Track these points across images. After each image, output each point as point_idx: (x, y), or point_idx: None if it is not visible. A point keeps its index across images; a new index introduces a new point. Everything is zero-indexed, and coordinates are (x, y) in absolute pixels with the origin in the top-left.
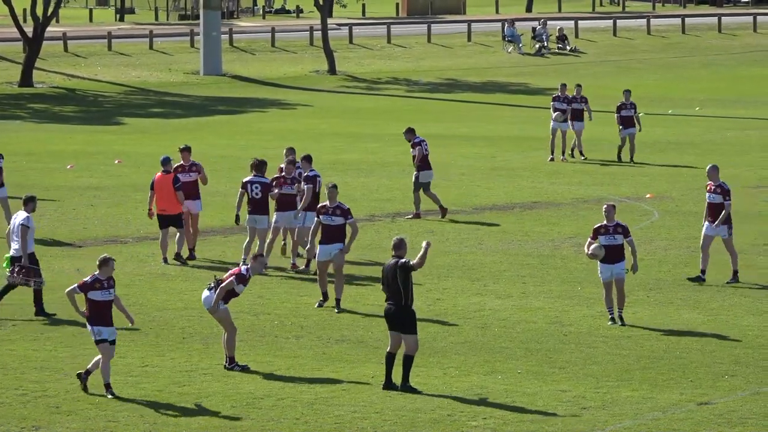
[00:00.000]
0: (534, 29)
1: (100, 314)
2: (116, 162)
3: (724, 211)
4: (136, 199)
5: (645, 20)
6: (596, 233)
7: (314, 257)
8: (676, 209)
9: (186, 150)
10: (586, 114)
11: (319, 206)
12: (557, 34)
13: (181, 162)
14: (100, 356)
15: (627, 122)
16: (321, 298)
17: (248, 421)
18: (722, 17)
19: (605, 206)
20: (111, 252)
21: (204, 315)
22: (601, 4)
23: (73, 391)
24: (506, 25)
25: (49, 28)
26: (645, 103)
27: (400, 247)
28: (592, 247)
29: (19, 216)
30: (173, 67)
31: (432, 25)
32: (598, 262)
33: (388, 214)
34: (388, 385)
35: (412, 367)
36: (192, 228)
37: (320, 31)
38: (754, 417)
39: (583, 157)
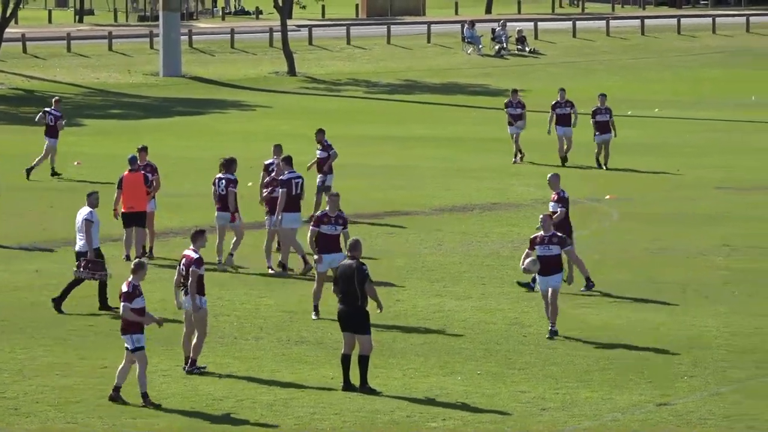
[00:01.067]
0: (494, 30)
1: (135, 322)
2: (75, 164)
3: (556, 215)
4: None
5: (604, 22)
6: (533, 243)
7: (318, 266)
8: (636, 210)
9: (143, 150)
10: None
11: (320, 215)
12: (517, 36)
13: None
14: (122, 369)
15: (602, 128)
16: (316, 312)
17: (208, 423)
18: (681, 19)
19: (541, 216)
20: (71, 253)
21: (164, 317)
22: (560, 6)
23: (32, 393)
24: (466, 26)
25: (7, 29)
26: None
27: (356, 248)
28: (527, 261)
29: (83, 211)
30: (132, 68)
31: (391, 26)
32: (536, 275)
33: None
34: (347, 386)
35: (369, 368)
36: (148, 227)
37: (280, 33)
38: (713, 417)
39: (565, 164)
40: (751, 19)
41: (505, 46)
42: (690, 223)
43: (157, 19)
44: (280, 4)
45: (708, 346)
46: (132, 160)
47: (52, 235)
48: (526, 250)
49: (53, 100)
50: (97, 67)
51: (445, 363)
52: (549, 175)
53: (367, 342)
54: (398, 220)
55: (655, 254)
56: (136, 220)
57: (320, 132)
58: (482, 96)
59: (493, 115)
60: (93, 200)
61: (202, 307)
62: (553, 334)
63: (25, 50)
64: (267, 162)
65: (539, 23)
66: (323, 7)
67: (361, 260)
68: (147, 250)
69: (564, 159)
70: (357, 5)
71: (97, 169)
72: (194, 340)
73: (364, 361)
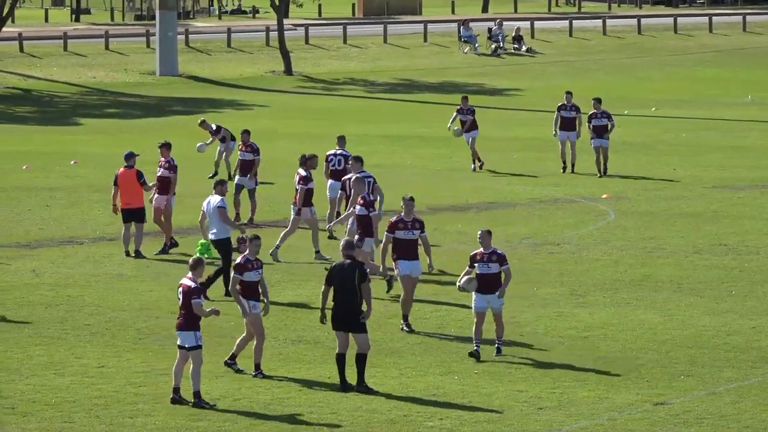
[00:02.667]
0: (490, 30)
1: (197, 319)
2: (72, 163)
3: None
4: (92, 200)
5: (601, 21)
6: (472, 261)
7: (396, 276)
8: (632, 209)
9: (164, 146)
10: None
11: (395, 220)
12: (513, 35)
13: (161, 157)
14: (177, 368)
15: (599, 132)
16: (405, 322)
17: (205, 422)
18: (678, 18)
19: (480, 233)
20: (67, 253)
21: (160, 316)
22: (557, 5)
23: (28, 392)
24: (462, 25)
25: (4, 29)
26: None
27: (351, 247)
28: (463, 281)
29: (213, 200)
30: (129, 67)
31: (388, 25)
32: (473, 293)
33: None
34: (344, 386)
35: (366, 367)
36: (165, 224)
37: (276, 32)
38: (710, 417)
39: (571, 171)
40: (748, 18)
41: (501, 45)
42: (686, 222)
43: (153, 18)
44: (277, 3)
45: (704, 345)
46: (127, 157)
47: (48, 234)
48: (467, 267)
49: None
50: (94, 66)
51: (442, 362)
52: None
53: (365, 340)
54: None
55: (651, 253)
56: (134, 216)
57: (245, 133)
58: (479, 95)
59: (489, 115)
60: (222, 189)
61: (253, 312)
62: (498, 351)
63: (21, 49)
64: (329, 153)
65: (535, 22)
66: (320, 6)
67: (363, 264)
68: (164, 245)
69: (565, 166)
70: (353, 4)
71: (93, 168)
72: (254, 344)
73: (362, 360)
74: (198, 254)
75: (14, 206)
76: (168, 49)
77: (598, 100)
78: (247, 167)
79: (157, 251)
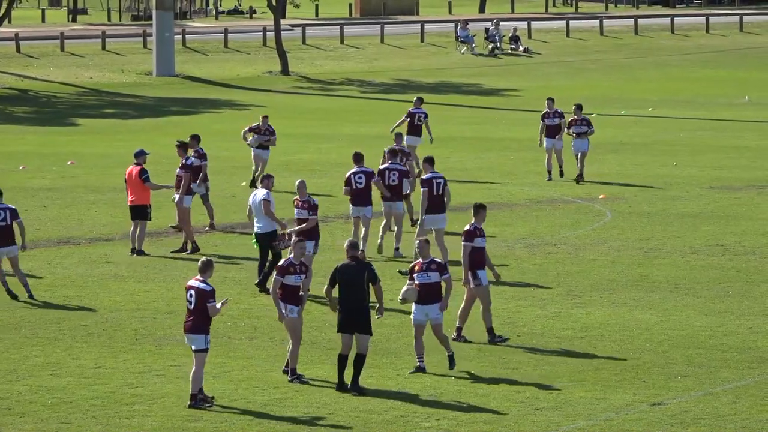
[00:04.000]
0: (487, 30)
1: (209, 321)
2: (69, 163)
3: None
4: (89, 201)
5: (598, 21)
6: (411, 272)
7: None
8: (629, 210)
9: (181, 146)
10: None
11: (472, 229)
12: (510, 35)
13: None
14: (194, 371)
15: (579, 138)
16: (459, 333)
17: (201, 423)
18: (675, 18)
19: (418, 241)
20: (64, 253)
21: (157, 316)
22: (554, 5)
23: (25, 393)
24: (459, 25)
25: (0, 29)
26: (598, 104)
27: (356, 247)
28: (403, 290)
29: (260, 193)
30: (126, 67)
31: (385, 25)
32: (413, 304)
33: (341, 215)
34: (341, 386)
35: (363, 368)
36: (185, 223)
37: (273, 32)
38: (706, 417)
39: (561, 177)
40: (745, 18)
41: (498, 45)
42: (682, 223)
43: (150, 18)
44: (274, 4)
45: (701, 345)
46: (137, 154)
47: (45, 234)
48: (407, 278)
49: (262, 117)
50: (91, 66)
51: (439, 363)
52: (297, 182)
53: (367, 342)
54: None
55: (648, 253)
56: (137, 212)
57: (194, 138)
58: (475, 95)
59: (487, 115)
60: (269, 182)
61: (290, 316)
62: (451, 361)
63: (18, 50)
64: (388, 149)
65: (533, 22)
66: (317, 6)
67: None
68: (183, 245)
69: (550, 175)
70: (350, 4)
71: (90, 169)
72: (289, 348)
73: (361, 361)
74: (254, 245)
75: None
76: (165, 49)
77: (579, 107)
78: (197, 173)
79: (174, 249)
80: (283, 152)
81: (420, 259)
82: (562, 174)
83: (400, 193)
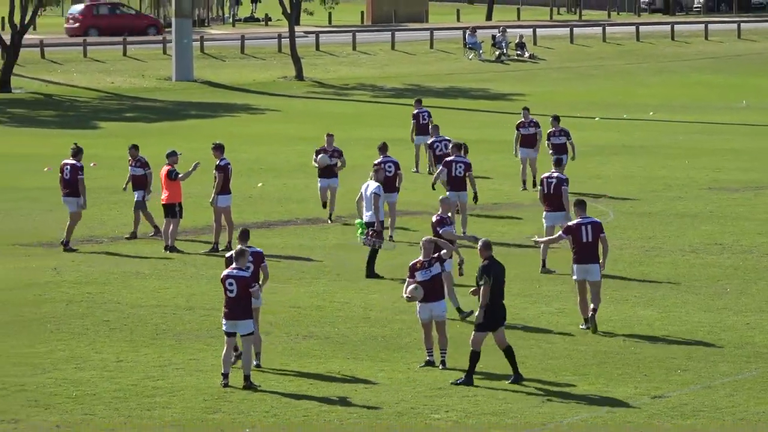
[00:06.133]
0: (494, 37)
1: (251, 306)
2: (91, 165)
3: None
4: (111, 201)
5: (600, 28)
6: (412, 271)
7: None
8: (630, 210)
9: (216, 148)
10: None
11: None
12: (516, 42)
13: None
14: (225, 356)
15: (558, 150)
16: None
17: (220, 414)
18: (675, 25)
19: (423, 240)
20: (86, 251)
21: (177, 312)
22: (558, 13)
23: (50, 386)
24: (467, 32)
25: (26, 36)
26: (601, 108)
27: (490, 248)
28: (409, 288)
29: (371, 186)
30: (146, 73)
31: (396, 32)
32: (417, 302)
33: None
34: (469, 378)
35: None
36: (226, 221)
37: (288, 39)
38: (706, 409)
39: (533, 187)
40: (742, 26)
41: (505, 51)
42: (682, 222)
43: (169, 25)
44: (289, 11)
45: (701, 341)
46: (167, 155)
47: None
48: (408, 278)
49: (326, 135)
50: (112, 72)
51: (449, 358)
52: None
53: (504, 334)
54: (402, 221)
55: (649, 252)
56: (167, 210)
57: (133, 148)
58: (483, 100)
59: (495, 118)
60: (381, 176)
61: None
62: (443, 365)
63: (43, 56)
64: (453, 142)
65: (538, 29)
66: (330, 13)
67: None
68: (216, 242)
69: (525, 182)
70: (362, 12)
71: (111, 170)
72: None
73: (511, 352)
74: (357, 232)
75: (36, 206)
76: (184, 55)
77: (556, 119)
78: (139, 182)
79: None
80: (298, 155)
81: (420, 257)
82: (534, 184)
83: (464, 183)
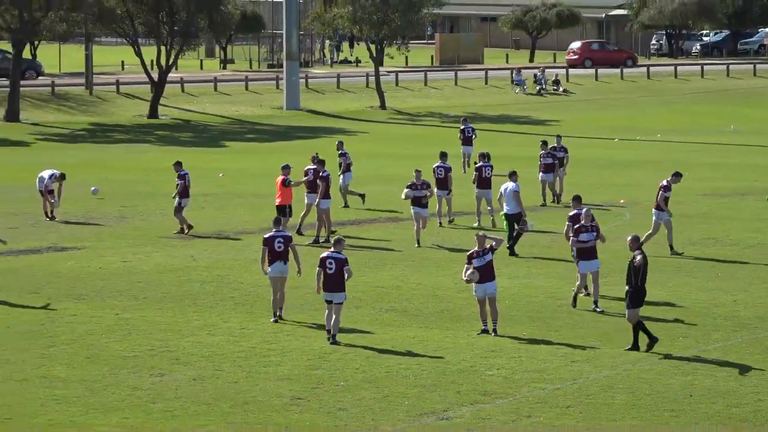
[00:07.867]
0: (535, 75)
1: (345, 280)
2: (220, 175)
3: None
4: (235, 203)
5: (619, 69)
6: (470, 259)
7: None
8: (644, 211)
9: (317, 159)
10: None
11: (578, 226)
12: (553, 79)
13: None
14: (327, 317)
15: (547, 169)
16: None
17: (320, 371)
18: (678, 66)
19: (477, 234)
20: (214, 243)
21: (286, 290)
22: None
23: (188, 347)
24: (514, 72)
25: (170, 75)
26: (618, 131)
27: (638, 240)
28: (468, 273)
29: (509, 185)
30: (263, 103)
31: (458, 71)
32: (474, 283)
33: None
34: (642, 345)
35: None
36: (325, 218)
37: (374, 77)
38: (702, 368)
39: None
40: (731, 67)
41: (544, 87)
42: (683, 221)
43: (281, 66)
44: (374, 55)
45: (698, 314)
46: (282, 168)
47: (203, 228)
48: (465, 264)
49: (415, 171)
50: (236, 102)
51: (500, 327)
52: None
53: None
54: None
55: (657, 244)
56: (281, 211)
57: (177, 164)
58: (527, 125)
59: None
60: (516, 177)
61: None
62: (495, 332)
63: (182, 90)
64: (435, 165)
65: (570, 70)
66: (406, 57)
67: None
68: (317, 236)
69: (545, 198)
70: (432, 56)
71: (235, 179)
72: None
73: (641, 325)
74: (504, 224)
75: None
76: (292, 89)
77: (545, 143)
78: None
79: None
80: (378, 167)
81: (476, 247)
82: (558, 200)
83: (491, 182)
